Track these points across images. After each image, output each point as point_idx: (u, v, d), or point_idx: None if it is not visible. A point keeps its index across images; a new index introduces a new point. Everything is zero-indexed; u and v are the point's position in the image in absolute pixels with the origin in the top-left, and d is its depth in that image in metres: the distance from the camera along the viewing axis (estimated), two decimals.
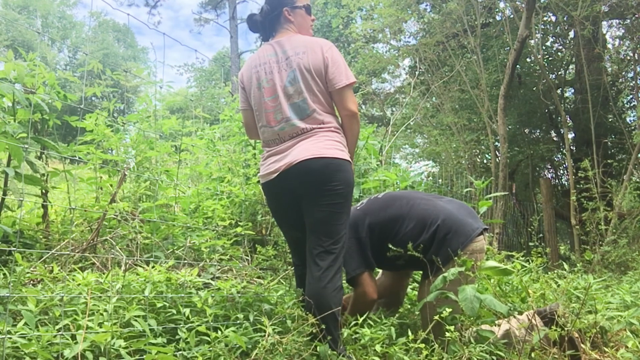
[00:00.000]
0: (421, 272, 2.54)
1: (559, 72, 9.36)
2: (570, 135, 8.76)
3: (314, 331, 1.96)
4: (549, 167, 10.38)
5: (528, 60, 9.41)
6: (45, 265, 2.52)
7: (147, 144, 3.62)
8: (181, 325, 2.07)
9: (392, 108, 12.33)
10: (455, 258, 2.20)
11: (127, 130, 3.89)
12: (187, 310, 2.16)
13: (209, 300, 2.26)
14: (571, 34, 8.85)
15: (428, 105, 9.84)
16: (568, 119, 8.75)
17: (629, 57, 8.04)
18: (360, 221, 2.51)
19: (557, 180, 10.12)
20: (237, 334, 2.05)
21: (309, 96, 2.16)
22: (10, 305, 1.83)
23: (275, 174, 2.16)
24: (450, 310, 1.99)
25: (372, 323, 2.33)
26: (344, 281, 2.48)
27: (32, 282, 2.41)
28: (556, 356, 2.13)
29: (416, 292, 2.96)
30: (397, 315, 2.52)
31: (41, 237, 3.01)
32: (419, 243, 2.32)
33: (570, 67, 9.74)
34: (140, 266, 2.71)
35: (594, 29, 7.33)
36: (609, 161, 7.02)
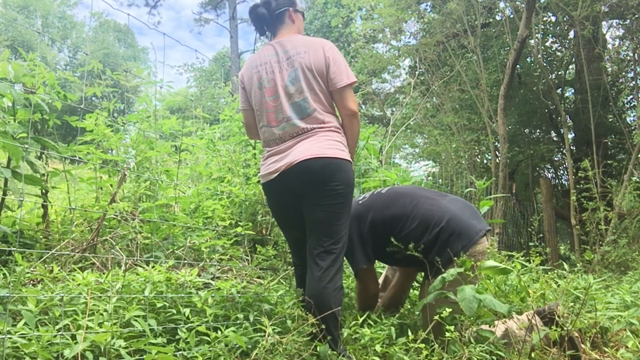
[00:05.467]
0: (423, 272, 2.54)
1: (559, 72, 9.35)
2: (570, 135, 8.76)
3: (314, 331, 1.96)
4: (549, 167, 10.38)
5: (528, 60, 9.41)
6: (45, 265, 2.52)
7: (147, 144, 3.62)
8: (181, 325, 2.07)
9: (392, 108, 12.33)
10: (456, 259, 2.19)
11: (127, 130, 3.89)
12: (187, 310, 2.16)
13: (209, 300, 2.25)
14: (571, 34, 8.85)
15: (428, 105, 9.84)
16: (568, 119, 8.75)
17: (629, 57, 8.04)
18: (362, 217, 2.50)
19: (557, 180, 10.13)
20: (237, 334, 2.05)
21: (310, 95, 2.16)
22: (10, 305, 1.83)
23: (276, 174, 2.16)
24: (450, 310, 1.99)
25: (372, 323, 2.33)
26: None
27: (32, 282, 2.41)
28: (556, 356, 2.13)
29: (416, 293, 2.96)
30: (397, 315, 2.52)
31: (41, 237, 3.01)
32: (422, 243, 2.31)
33: (570, 67, 9.74)
34: (140, 266, 2.70)
35: (594, 29, 7.32)
36: (609, 161, 7.02)
